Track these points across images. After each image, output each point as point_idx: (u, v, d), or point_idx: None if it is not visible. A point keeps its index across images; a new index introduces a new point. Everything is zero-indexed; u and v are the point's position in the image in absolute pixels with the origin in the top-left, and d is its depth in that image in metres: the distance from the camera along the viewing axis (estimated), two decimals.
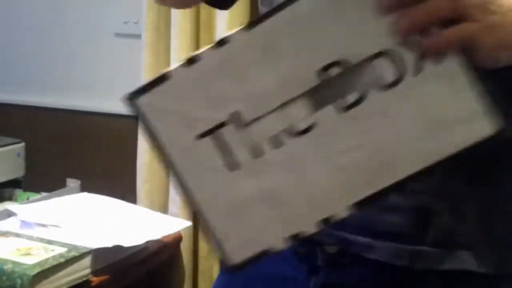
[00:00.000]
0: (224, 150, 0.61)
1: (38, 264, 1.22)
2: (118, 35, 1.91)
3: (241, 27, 0.60)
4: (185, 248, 1.75)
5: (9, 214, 1.48)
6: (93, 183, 1.79)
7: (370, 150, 0.60)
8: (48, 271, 1.23)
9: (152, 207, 1.72)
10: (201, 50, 0.60)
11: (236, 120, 0.60)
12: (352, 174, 0.61)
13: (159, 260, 1.64)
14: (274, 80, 0.60)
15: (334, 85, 0.59)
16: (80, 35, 1.97)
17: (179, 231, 1.64)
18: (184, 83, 0.61)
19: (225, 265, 0.64)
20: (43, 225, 1.43)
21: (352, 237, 0.73)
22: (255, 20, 0.60)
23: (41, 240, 1.34)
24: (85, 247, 1.32)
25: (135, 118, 1.75)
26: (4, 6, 2.05)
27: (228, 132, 0.61)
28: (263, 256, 0.62)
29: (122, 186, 1.82)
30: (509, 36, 0.58)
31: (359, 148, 0.60)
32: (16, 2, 2.03)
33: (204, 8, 1.62)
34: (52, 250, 1.29)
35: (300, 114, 0.60)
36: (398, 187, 0.60)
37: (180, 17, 1.66)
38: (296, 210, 0.62)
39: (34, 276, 1.19)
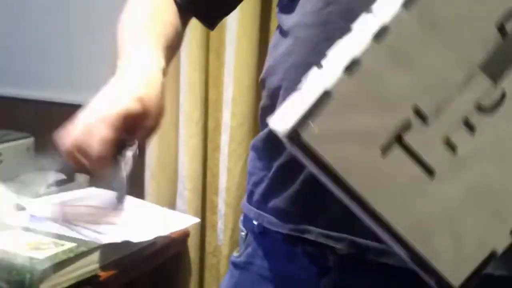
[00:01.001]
0: (415, 156, 0.52)
1: (48, 258, 1.23)
2: None
3: (394, 10, 0.51)
4: (192, 244, 1.75)
5: (19, 208, 1.49)
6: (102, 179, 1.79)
7: None
8: (57, 265, 1.23)
9: (159, 203, 1.73)
10: (356, 53, 0.51)
11: (419, 116, 0.52)
12: None
13: (166, 256, 1.64)
14: (447, 56, 0.51)
15: None
16: (90, 30, 1.97)
17: (186, 227, 1.65)
18: (351, 95, 0.51)
19: None
20: (53, 220, 1.43)
21: (367, 242, 0.72)
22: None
23: (51, 234, 1.35)
24: (94, 242, 1.33)
25: None
26: None
27: (413, 134, 0.52)
28: (490, 261, 0.54)
29: (130, 182, 1.82)
30: None
31: None
32: None
33: None
34: (62, 245, 1.30)
35: (486, 87, 0.52)
36: None
37: None
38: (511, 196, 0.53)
39: (43, 270, 1.20)
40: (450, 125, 0.52)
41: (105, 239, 1.35)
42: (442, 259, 0.54)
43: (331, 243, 0.74)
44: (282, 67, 0.78)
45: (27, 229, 1.37)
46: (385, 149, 0.52)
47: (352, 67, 0.51)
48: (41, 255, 1.24)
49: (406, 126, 0.52)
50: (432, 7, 0.50)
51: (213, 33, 1.67)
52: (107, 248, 1.35)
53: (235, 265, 0.89)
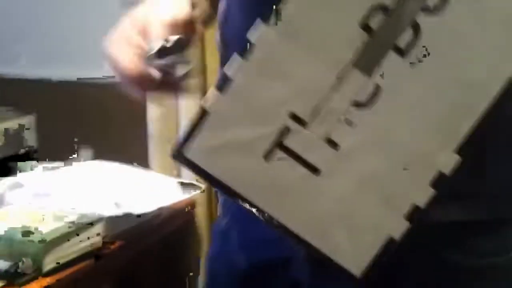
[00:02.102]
0: (298, 157, 0.55)
1: (50, 232, 1.22)
2: (124, 3, 1.89)
3: (260, 25, 0.55)
4: (200, 213, 1.75)
5: (21, 184, 1.49)
6: (106, 152, 1.79)
7: (447, 83, 0.54)
8: (60, 239, 1.23)
9: (165, 173, 1.72)
10: (229, 70, 0.55)
11: (296, 121, 0.55)
12: (441, 119, 0.55)
13: (174, 226, 1.63)
14: (317, 61, 0.54)
15: (382, 34, 0.54)
16: (86, 5, 1.96)
17: (193, 197, 1.63)
18: (226, 111, 0.56)
19: (352, 280, 0.57)
20: (55, 194, 1.43)
21: None
22: (270, 13, 0.55)
23: (53, 208, 1.34)
24: (95, 215, 1.32)
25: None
26: None
27: (293, 137, 0.55)
28: (390, 248, 0.56)
29: (135, 153, 1.82)
30: None
31: (436, 86, 0.54)
32: None
33: None
34: (64, 218, 1.29)
35: (359, 83, 0.55)
36: (491, 114, 0.54)
37: None
38: (400, 184, 0.56)
39: (45, 244, 1.19)
40: (329, 124, 0.55)
41: (106, 212, 1.34)
42: (341, 252, 0.56)
43: None
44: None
45: (29, 204, 1.37)
46: (268, 155, 0.55)
47: (223, 84, 0.56)
48: (43, 229, 1.23)
49: (285, 131, 0.55)
50: (293, 19, 0.54)
51: None
52: (110, 221, 1.34)
53: (218, 232, 0.89)
